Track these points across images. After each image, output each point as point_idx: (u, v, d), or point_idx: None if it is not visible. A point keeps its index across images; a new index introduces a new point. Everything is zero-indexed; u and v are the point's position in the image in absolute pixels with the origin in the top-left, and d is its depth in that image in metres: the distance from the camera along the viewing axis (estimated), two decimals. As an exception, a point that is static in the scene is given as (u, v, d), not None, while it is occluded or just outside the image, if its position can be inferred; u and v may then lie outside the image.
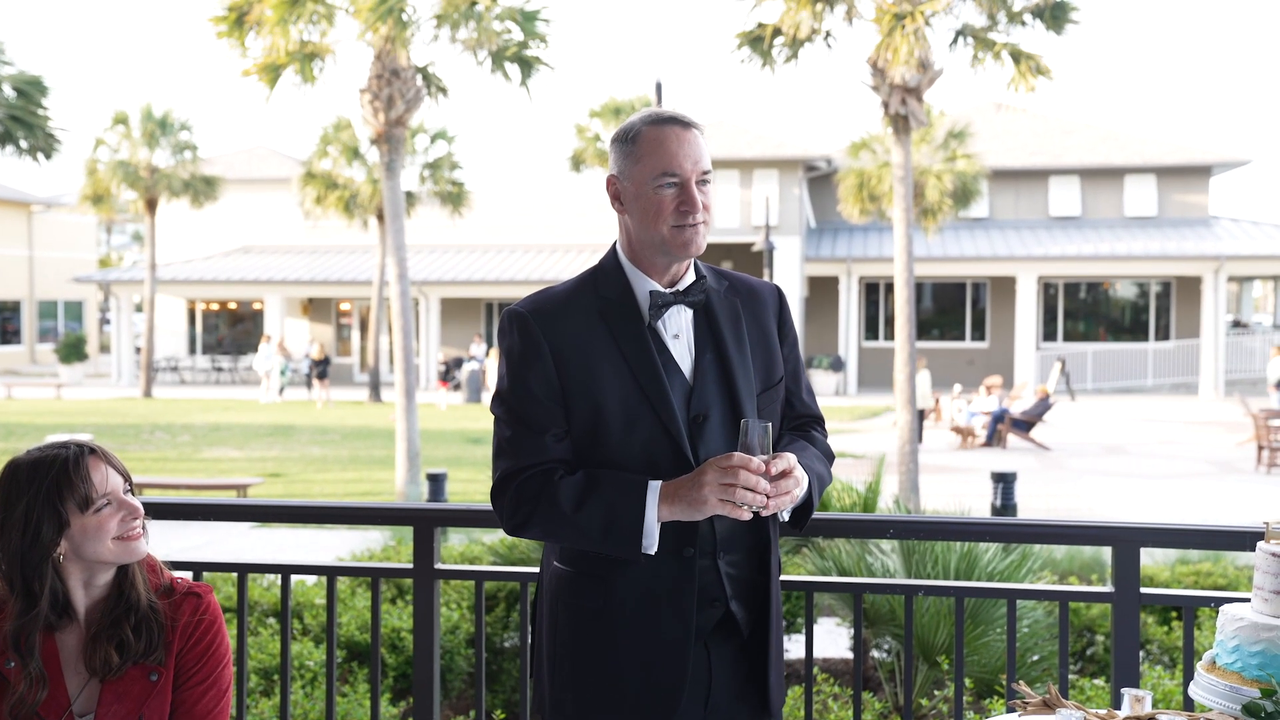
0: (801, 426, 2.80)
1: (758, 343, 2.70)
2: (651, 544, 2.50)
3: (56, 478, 2.49)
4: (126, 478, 2.58)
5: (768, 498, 2.41)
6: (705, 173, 2.59)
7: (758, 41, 15.45)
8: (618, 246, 2.70)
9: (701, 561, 2.59)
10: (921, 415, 23.49)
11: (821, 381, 33.86)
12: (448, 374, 30.91)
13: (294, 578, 4.39)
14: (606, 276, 2.67)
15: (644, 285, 2.64)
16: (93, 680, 2.55)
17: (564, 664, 2.66)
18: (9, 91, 18.22)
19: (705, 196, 2.59)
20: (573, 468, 2.59)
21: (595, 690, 2.62)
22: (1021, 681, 2.68)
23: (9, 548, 2.49)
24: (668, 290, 2.63)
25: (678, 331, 2.64)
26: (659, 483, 2.50)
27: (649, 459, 2.55)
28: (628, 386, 2.57)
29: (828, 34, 15.31)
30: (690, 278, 2.67)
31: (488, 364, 31.72)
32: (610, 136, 2.69)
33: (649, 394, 2.56)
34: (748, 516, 2.44)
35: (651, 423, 2.56)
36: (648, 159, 2.57)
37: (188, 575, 3.55)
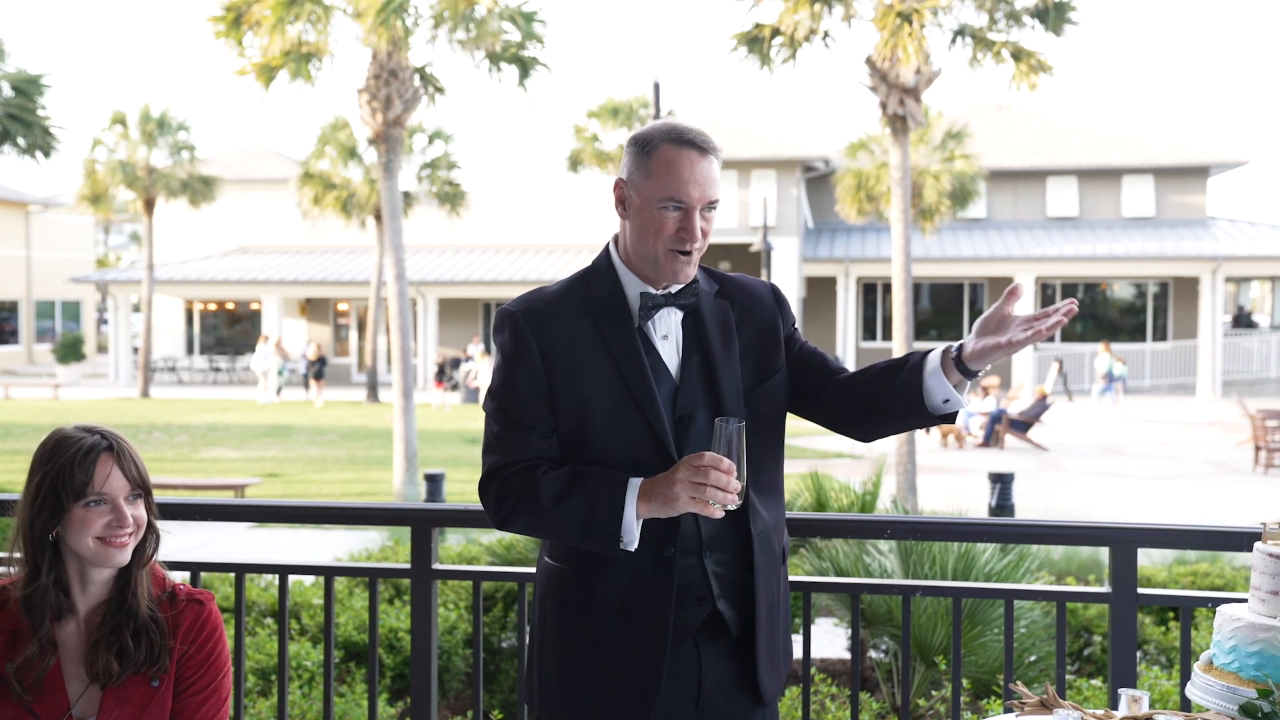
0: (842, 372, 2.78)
1: (752, 340, 2.72)
2: (631, 540, 2.52)
3: (66, 461, 2.53)
4: (137, 485, 2.59)
5: (737, 495, 2.44)
6: (712, 202, 2.61)
7: (756, 42, 15.45)
8: (612, 246, 2.72)
9: (685, 560, 2.62)
10: None
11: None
12: (443, 374, 30.86)
13: (291, 578, 4.39)
14: (599, 276, 2.70)
15: (635, 286, 2.66)
16: (93, 686, 2.56)
17: (550, 658, 2.70)
18: (7, 90, 18.21)
19: (707, 224, 2.62)
20: (558, 464, 2.62)
21: (577, 685, 2.66)
22: (1019, 682, 2.69)
23: (24, 512, 2.56)
24: (659, 292, 2.66)
25: (666, 333, 2.67)
26: (639, 480, 2.53)
27: (634, 458, 2.58)
28: (615, 386, 2.60)
29: (826, 34, 15.31)
30: (692, 276, 2.69)
31: (475, 366, 31.60)
32: (629, 136, 2.70)
33: (635, 394, 2.59)
34: (719, 514, 2.46)
35: (637, 422, 2.59)
36: (659, 178, 2.59)
37: (185, 575, 3.55)
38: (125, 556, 2.57)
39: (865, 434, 2.74)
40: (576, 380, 2.61)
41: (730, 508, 2.46)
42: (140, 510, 2.59)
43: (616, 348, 2.62)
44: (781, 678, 2.79)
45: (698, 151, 2.60)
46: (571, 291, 2.69)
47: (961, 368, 2.55)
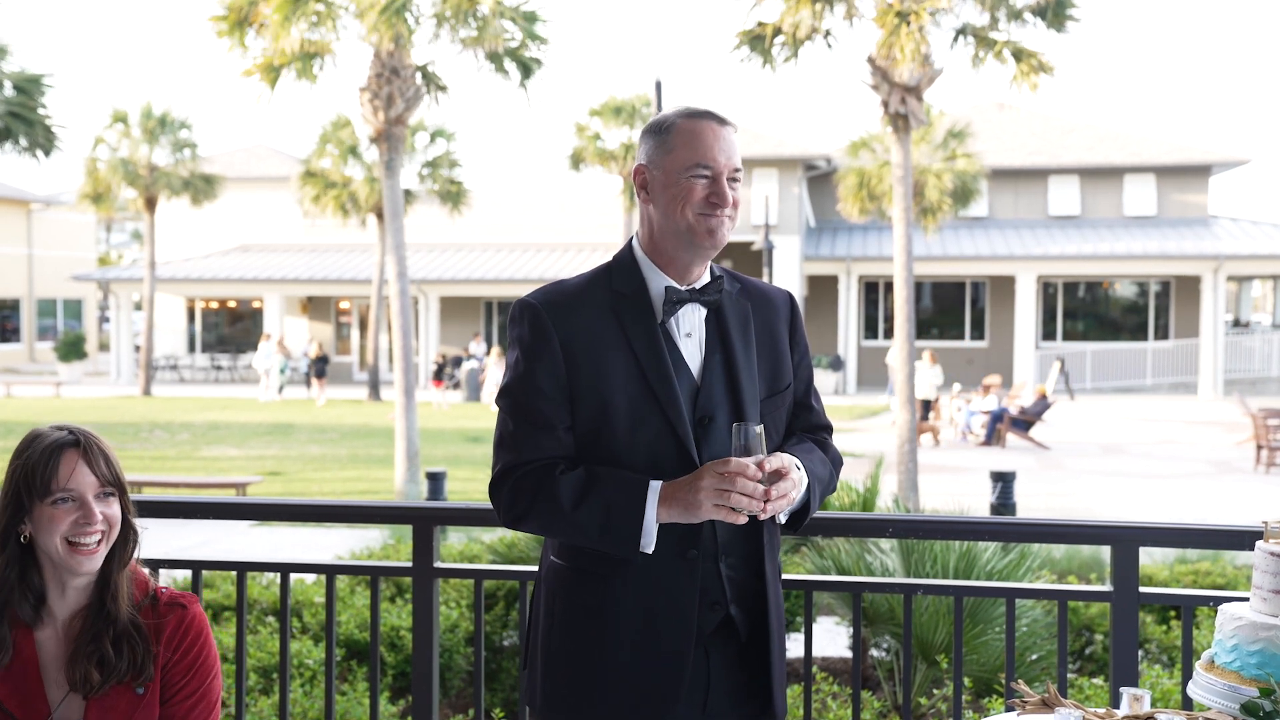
0: (812, 432, 2.79)
1: (766, 348, 2.68)
2: (649, 544, 2.48)
3: (31, 458, 2.48)
4: (107, 482, 2.51)
5: (764, 502, 2.41)
6: (736, 170, 2.59)
7: (758, 40, 15.43)
8: (635, 241, 2.67)
9: (704, 564, 2.57)
10: (927, 406, 23.54)
11: (821, 381, 33.84)
12: (441, 373, 30.83)
13: (293, 576, 4.39)
14: (621, 270, 2.64)
15: (659, 282, 2.61)
16: (75, 695, 2.51)
17: (558, 661, 2.64)
18: (9, 89, 18.22)
19: (735, 193, 2.59)
20: (574, 464, 2.56)
21: (589, 689, 2.60)
22: (1020, 680, 2.68)
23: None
24: (683, 288, 2.61)
25: (690, 330, 2.62)
26: (659, 483, 2.48)
27: (654, 458, 2.53)
28: (636, 384, 2.54)
29: (828, 33, 15.29)
30: (706, 277, 2.65)
31: (487, 362, 31.69)
32: (643, 129, 2.67)
33: (657, 393, 2.54)
34: (743, 520, 2.43)
35: (658, 422, 2.54)
36: (682, 149, 2.56)
37: (187, 574, 3.55)
38: (94, 564, 2.50)
39: None
40: (597, 377, 2.54)
41: (756, 515, 2.43)
42: (113, 509, 2.51)
43: (639, 344, 2.56)
44: (785, 694, 2.77)
45: (716, 121, 2.58)
46: (594, 285, 2.63)
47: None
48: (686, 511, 2.44)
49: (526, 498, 2.54)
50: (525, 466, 2.55)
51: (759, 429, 2.44)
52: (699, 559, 2.56)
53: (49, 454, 2.47)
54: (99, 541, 2.49)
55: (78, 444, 2.50)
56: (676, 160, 2.56)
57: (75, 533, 2.47)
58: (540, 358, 2.56)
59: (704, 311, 2.63)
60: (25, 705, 2.49)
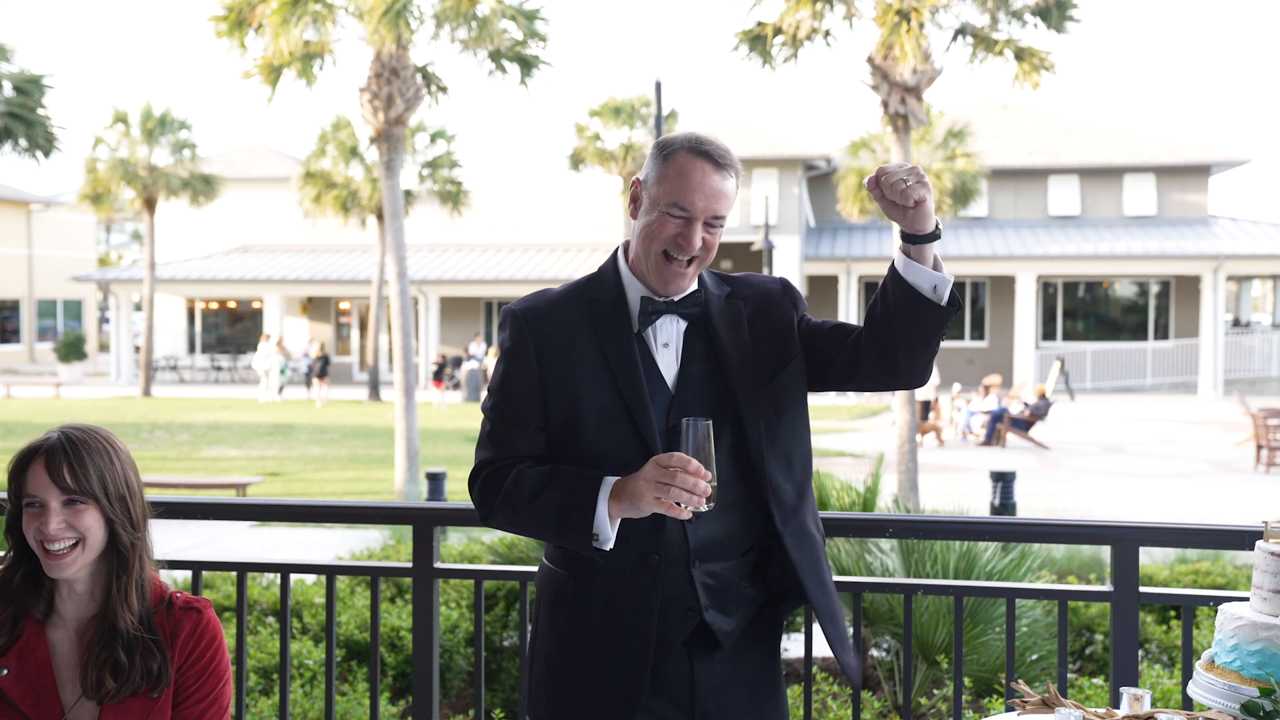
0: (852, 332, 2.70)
1: (767, 335, 2.69)
2: (606, 539, 2.51)
3: (14, 459, 2.53)
4: (74, 491, 2.48)
5: (706, 499, 2.40)
6: (717, 217, 2.58)
7: (757, 40, 15.44)
8: (620, 251, 2.72)
9: (671, 569, 2.59)
10: (926, 406, 23.53)
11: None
12: (441, 373, 30.83)
13: (293, 576, 4.39)
14: (603, 280, 2.70)
15: (638, 292, 2.66)
16: (87, 699, 2.52)
17: (538, 659, 2.72)
18: (9, 89, 18.22)
19: (710, 237, 2.58)
20: (545, 463, 2.63)
21: (560, 688, 2.67)
22: (1020, 680, 2.69)
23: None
24: (661, 299, 2.65)
25: (667, 340, 2.66)
26: (613, 479, 2.52)
27: (622, 464, 2.56)
28: (607, 391, 2.59)
29: (827, 33, 15.29)
30: (689, 288, 2.67)
31: (488, 362, 31.73)
32: (656, 140, 2.71)
33: (628, 400, 2.58)
34: (686, 515, 2.43)
35: (627, 428, 2.58)
36: (669, 183, 2.58)
37: (187, 574, 3.55)
38: (65, 570, 2.49)
39: (897, 367, 2.60)
40: (570, 382, 2.61)
41: (701, 510, 2.43)
42: (82, 519, 2.49)
43: (613, 352, 2.61)
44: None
45: (712, 164, 2.58)
46: (575, 294, 2.69)
47: (910, 240, 2.51)
48: (631, 504, 2.47)
49: (494, 492, 2.61)
50: (497, 463, 2.63)
51: (707, 424, 2.44)
52: (661, 564, 2.58)
53: (20, 456, 2.52)
54: (72, 548, 2.49)
55: (40, 450, 2.51)
56: (662, 192, 2.58)
57: (41, 539, 2.49)
58: (517, 362, 2.64)
59: (684, 324, 2.66)
60: (38, 705, 2.51)
